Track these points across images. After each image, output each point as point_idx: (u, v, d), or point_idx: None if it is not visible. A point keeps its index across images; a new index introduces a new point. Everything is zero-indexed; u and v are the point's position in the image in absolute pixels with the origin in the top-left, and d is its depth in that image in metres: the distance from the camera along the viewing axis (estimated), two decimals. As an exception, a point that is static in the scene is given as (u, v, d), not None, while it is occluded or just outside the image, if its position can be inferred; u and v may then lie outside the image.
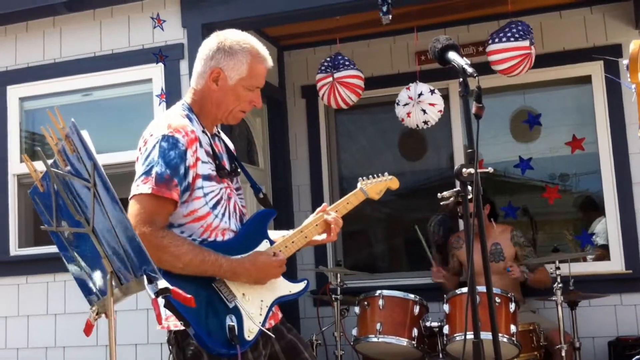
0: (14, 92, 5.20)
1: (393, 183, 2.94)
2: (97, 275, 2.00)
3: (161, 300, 2.24)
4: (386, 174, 2.93)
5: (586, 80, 5.46)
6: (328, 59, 5.15)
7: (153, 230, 2.24)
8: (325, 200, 5.84)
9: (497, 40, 4.62)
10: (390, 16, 4.39)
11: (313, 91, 5.56)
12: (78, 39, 5.07)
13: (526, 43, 4.58)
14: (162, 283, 1.79)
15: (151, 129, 2.41)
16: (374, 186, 2.86)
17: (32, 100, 5.24)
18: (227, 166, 2.54)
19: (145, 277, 1.79)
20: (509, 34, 4.61)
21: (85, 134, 1.87)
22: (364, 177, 2.86)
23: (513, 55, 4.56)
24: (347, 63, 5.09)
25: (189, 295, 1.86)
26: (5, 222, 5.10)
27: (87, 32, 5.04)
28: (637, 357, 4.04)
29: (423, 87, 4.96)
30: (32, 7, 5.00)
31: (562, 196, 5.76)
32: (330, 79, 5.06)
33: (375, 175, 2.89)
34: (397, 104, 5.04)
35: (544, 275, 4.94)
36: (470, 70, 2.12)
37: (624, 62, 1.45)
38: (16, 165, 5.12)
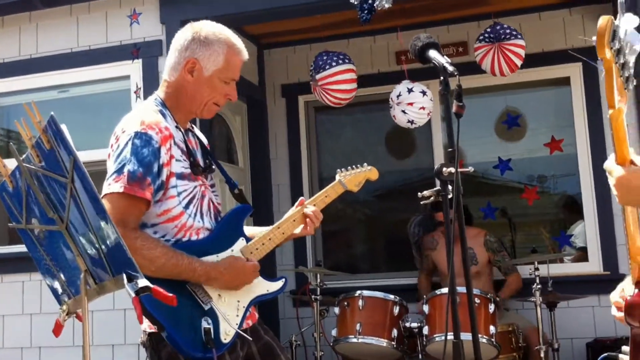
0: (-11, 88, 5.13)
1: (372, 173, 2.83)
2: (68, 274, 1.95)
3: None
4: (365, 164, 2.82)
5: (565, 82, 5.48)
6: (341, 54, 5.04)
7: (125, 231, 2.17)
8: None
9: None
10: (369, 17, 4.40)
11: (293, 90, 5.54)
12: (54, 35, 5.00)
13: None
14: (143, 282, 1.75)
15: (123, 125, 2.34)
16: (353, 177, 2.75)
17: (7, 97, 5.16)
18: (201, 162, 2.48)
19: (124, 275, 1.75)
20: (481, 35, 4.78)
21: (64, 128, 1.83)
22: (342, 169, 2.76)
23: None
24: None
25: (170, 294, 1.82)
26: (-21, 221, 5.02)
27: (64, 27, 4.98)
28: (604, 355, 4.04)
29: (401, 87, 4.93)
30: (7, 1, 4.94)
31: (541, 197, 5.78)
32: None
33: (353, 167, 2.79)
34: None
35: (514, 286, 4.94)
36: (451, 68, 2.11)
37: (593, 38, 1.47)
38: (-10, 163, 5.03)
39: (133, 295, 1.73)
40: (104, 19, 4.90)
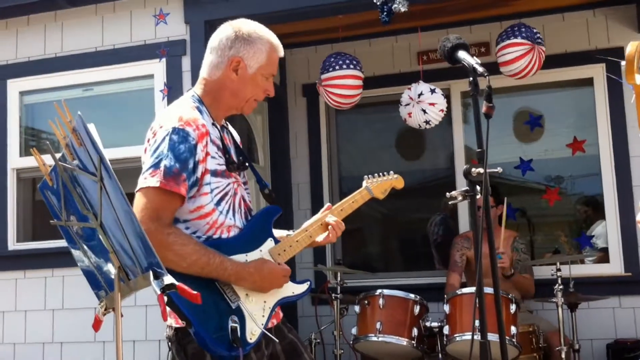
0: (15, 86, 5.17)
1: (398, 182, 2.86)
2: (106, 270, 1.98)
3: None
4: (391, 172, 2.85)
5: (588, 82, 5.46)
6: (350, 58, 5.03)
7: (159, 227, 2.18)
8: (324, 199, 5.83)
9: (504, 38, 4.67)
10: (389, 19, 4.41)
11: (314, 90, 5.54)
12: (79, 34, 5.05)
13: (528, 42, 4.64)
14: (168, 279, 1.77)
15: (161, 120, 2.35)
16: (379, 185, 2.78)
17: (33, 95, 5.21)
18: (235, 159, 2.49)
19: (151, 272, 1.77)
20: (516, 33, 4.66)
21: (92, 127, 1.86)
22: (369, 176, 2.78)
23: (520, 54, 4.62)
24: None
25: (195, 292, 1.84)
26: (4, 217, 5.08)
27: (89, 26, 5.03)
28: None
29: (423, 87, 4.93)
30: (33, 0, 4.99)
31: (562, 198, 5.76)
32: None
33: (380, 174, 2.81)
34: (400, 105, 5.02)
35: (527, 282, 4.91)
36: (480, 69, 2.11)
37: (622, 63, 1.45)
38: (15, 160, 5.10)
39: (159, 292, 1.75)
40: (129, 18, 4.94)
